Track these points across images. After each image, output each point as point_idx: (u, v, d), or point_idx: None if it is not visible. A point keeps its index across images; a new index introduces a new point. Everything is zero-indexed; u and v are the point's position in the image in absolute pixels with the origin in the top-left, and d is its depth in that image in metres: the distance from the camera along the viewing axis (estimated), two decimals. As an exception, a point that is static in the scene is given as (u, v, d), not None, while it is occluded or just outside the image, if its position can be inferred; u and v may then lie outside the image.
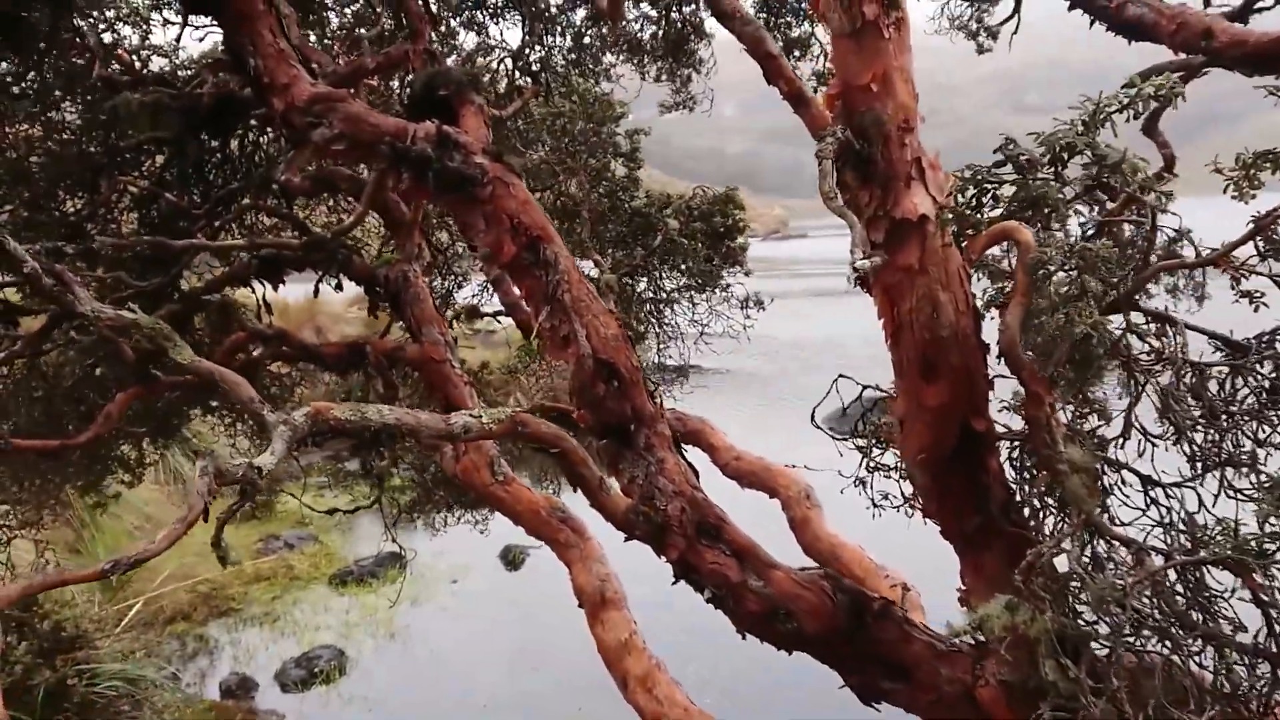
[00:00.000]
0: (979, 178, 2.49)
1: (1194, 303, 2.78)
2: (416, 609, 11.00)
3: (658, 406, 3.17)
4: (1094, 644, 2.47)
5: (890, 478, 3.51)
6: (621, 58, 7.22)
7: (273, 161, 5.37)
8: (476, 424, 2.67)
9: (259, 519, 13.26)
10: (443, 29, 6.51)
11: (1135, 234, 2.76)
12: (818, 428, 3.57)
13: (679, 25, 6.91)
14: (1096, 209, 2.69)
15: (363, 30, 5.70)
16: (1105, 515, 2.63)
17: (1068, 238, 2.58)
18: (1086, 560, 2.63)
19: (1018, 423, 2.99)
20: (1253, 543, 2.37)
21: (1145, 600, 2.47)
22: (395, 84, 6.08)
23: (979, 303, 2.84)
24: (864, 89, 2.54)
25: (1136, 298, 2.68)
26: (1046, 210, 2.47)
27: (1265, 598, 2.37)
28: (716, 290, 7.47)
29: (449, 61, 6.08)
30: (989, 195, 2.54)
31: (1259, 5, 4.27)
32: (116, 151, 4.81)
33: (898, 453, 3.32)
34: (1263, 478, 2.60)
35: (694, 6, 6.75)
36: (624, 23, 6.51)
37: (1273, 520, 2.32)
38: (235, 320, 4.82)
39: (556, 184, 6.86)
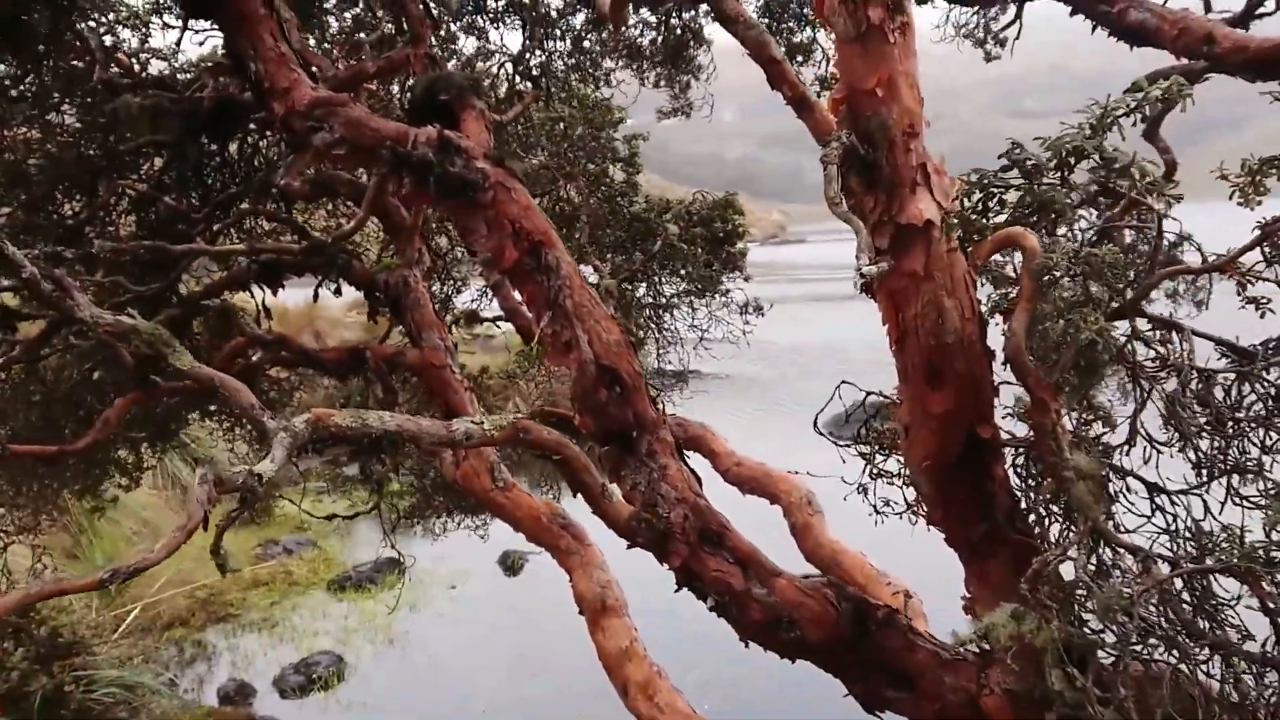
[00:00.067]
0: (985, 183, 2.47)
1: (1194, 308, 2.77)
2: (415, 614, 10.97)
3: (660, 413, 3.15)
4: (1100, 653, 2.45)
5: (893, 484, 3.50)
6: (621, 63, 7.21)
7: (272, 165, 5.36)
8: (478, 431, 2.65)
9: (258, 524, 13.22)
10: (443, 33, 6.51)
11: (1136, 239, 2.75)
12: (820, 434, 3.55)
13: (678, 31, 6.91)
14: (1101, 214, 2.68)
15: (362, 34, 5.71)
16: (1111, 523, 2.61)
17: (1073, 243, 2.57)
18: (1092, 568, 2.61)
19: (1022, 429, 2.97)
20: (1260, 550, 2.36)
21: (1152, 609, 2.45)
22: (395, 88, 6.07)
23: (983, 308, 2.82)
24: (869, 94, 2.53)
25: (1142, 304, 2.67)
26: (1053, 215, 2.46)
27: (1273, 606, 2.36)
28: (716, 296, 7.46)
29: (449, 66, 6.07)
30: (995, 200, 2.52)
31: (1260, 11, 4.27)
32: (115, 154, 4.79)
33: (901, 459, 3.30)
34: (1270, 485, 2.59)
35: (694, 13, 6.75)
36: (624, 28, 6.50)
37: (1280, 528, 2.31)
38: (234, 325, 4.80)
39: (556, 189, 6.86)
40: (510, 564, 12.31)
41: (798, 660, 3.03)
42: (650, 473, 2.98)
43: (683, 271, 7.24)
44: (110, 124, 4.48)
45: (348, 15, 6.02)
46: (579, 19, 6.89)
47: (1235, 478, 2.65)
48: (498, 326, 7.08)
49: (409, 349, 4.68)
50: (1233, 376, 2.65)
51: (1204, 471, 2.71)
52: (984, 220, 2.56)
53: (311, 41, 5.34)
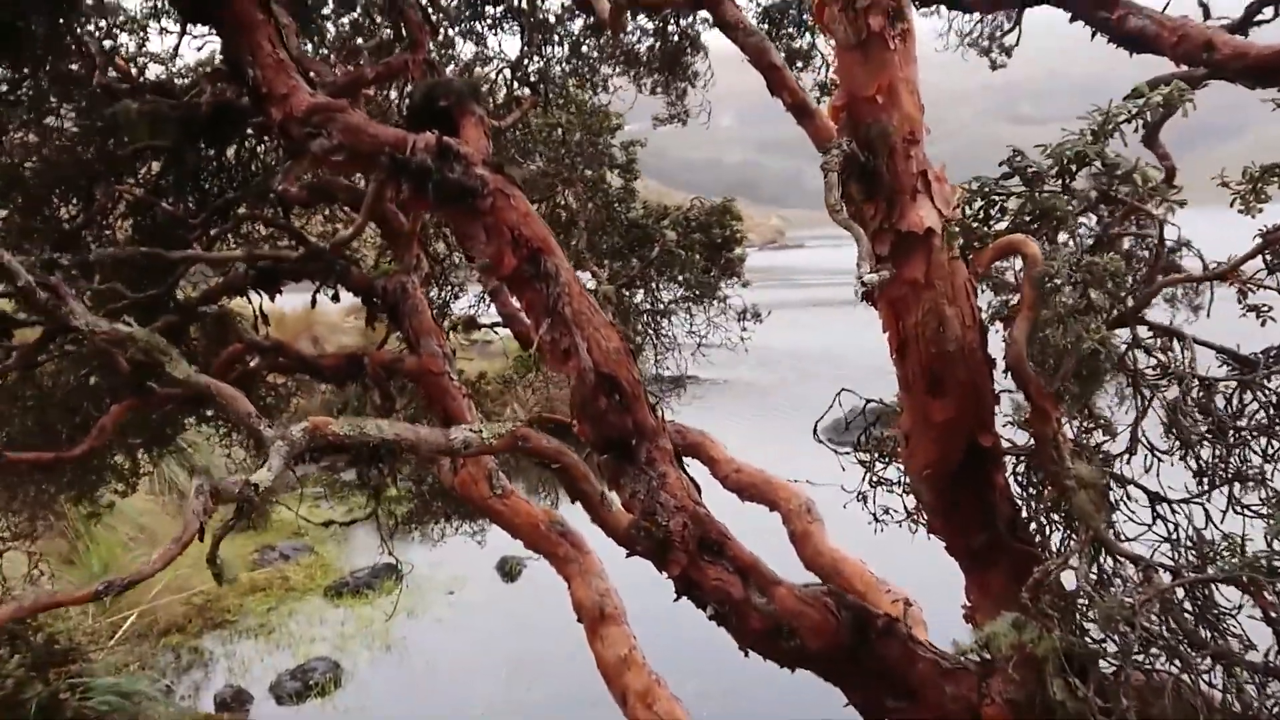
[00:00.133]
0: (986, 190, 2.46)
1: (1191, 313, 2.76)
2: (413, 621, 10.93)
3: (659, 420, 3.13)
4: (1102, 662, 2.44)
5: (893, 492, 3.49)
6: (618, 70, 7.21)
7: (270, 170, 5.35)
8: (477, 439, 2.64)
9: (255, 530, 13.19)
10: (440, 38, 6.50)
11: (1135, 244, 2.74)
12: (820, 442, 3.55)
13: (675, 38, 6.91)
14: (1102, 221, 2.67)
15: (360, 40, 5.70)
16: (1112, 531, 2.61)
17: (1075, 251, 2.56)
18: (1093, 577, 2.60)
19: (1022, 437, 2.96)
20: (1262, 560, 2.35)
21: (1154, 618, 2.44)
22: (394, 94, 6.06)
23: (983, 316, 2.81)
24: (869, 101, 2.52)
25: (1142, 312, 2.66)
26: (1054, 223, 2.45)
27: (1276, 615, 2.35)
28: (714, 302, 7.46)
29: (447, 71, 6.06)
30: (996, 208, 2.52)
31: (1259, 18, 4.28)
32: (113, 158, 4.79)
33: (901, 467, 3.29)
34: (1271, 493, 2.58)
35: (691, 19, 6.75)
36: (622, 34, 6.50)
37: (1284, 537, 2.30)
38: (232, 331, 4.79)
39: (554, 195, 6.85)
40: (508, 570, 12.28)
41: (798, 669, 3.02)
42: (649, 481, 2.96)
43: (681, 278, 7.23)
44: (109, 128, 4.48)
45: (345, 20, 6.01)
46: (577, 25, 6.88)
47: (1236, 486, 2.65)
48: (495, 333, 7.06)
49: (407, 356, 4.67)
50: (1234, 385, 2.64)
51: (1205, 480, 2.70)
52: (985, 228, 2.55)
53: (309, 47, 5.34)
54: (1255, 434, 2.61)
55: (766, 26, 6.20)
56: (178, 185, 5.12)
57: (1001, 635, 2.44)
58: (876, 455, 3.49)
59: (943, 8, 4.45)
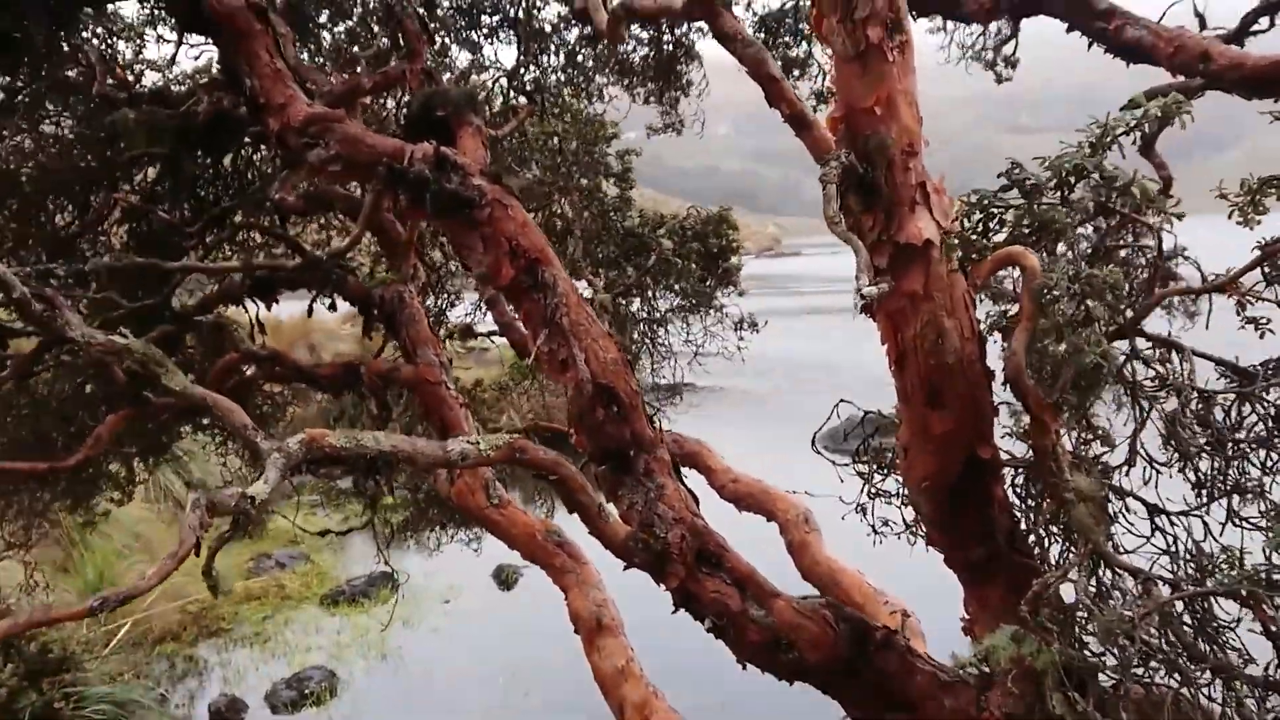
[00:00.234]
0: (984, 203, 2.46)
1: (1187, 320, 2.76)
2: (408, 629, 10.90)
3: (657, 431, 3.12)
4: (1101, 676, 2.43)
5: (891, 504, 3.48)
6: (612, 79, 7.21)
7: (267, 179, 5.34)
8: (474, 451, 2.63)
9: (250, 538, 13.14)
10: (436, 46, 6.50)
11: (1132, 253, 2.74)
12: (818, 453, 3.53)
13: (669, 48, 6.91)
14: (1100, 232, 2.67)
15: (356, 48, 5.70)
16: (1111, 544, 2.60)
17: (1074, 263, 2.56)
18: (1092, 590, 2.60)
19: (1021, 449, 2.96)
20: (1262, 573, 2.34)
21: (1153, 631, 2.43)
22: (390, 103, 6.06)
23: (981, 327, 2.81)
24: (868, 112, 2.52)
25: (1141, 323, 2.66)
26: (1053, 235, 2.45)
27: (1275, 629, 2.34)
28: (710, 311, 7.46)
29: (443, 80, 6.06)
30: (995, 220, 2.51)
31: (1255, 28, 4.28)
32: (110, 165, 4.78)
33: (900, 479, 3.28)
34: (1270, 506, 2.58)
35: (685, 29, 6.75)
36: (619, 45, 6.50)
37: (1282, 550, 2.29)
38: (228, 340, 4.78)
39: (550, 204, 6.85)
40: (504, 578, 12.26)
41: (796, 682, 3.00)
42: (647, 492, 2.95)
43: (677, 286, 7.23)
44: (107, 136, 4.47)
45: (340, 28, 6.01)
46: (572, 35, 6.89)
47: (1235, 499, 2.64)
48: (492, 341, 7.05)
49: (404, 365, 4.65)
50: (1233, 397, 2.64)
51: (1204, 492, 2.69)
52: (984, 240, 2.55)
53: (305, 56, 5.33)
54: (1254, 446, 2.61)
55: (763, 35, 6.20)
56: (174, 193, 5.12)
57: (1000, 648, 2.43)
58: (875, 467, 3.48)
59: (940, 18, 4.46)
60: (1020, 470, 2.93)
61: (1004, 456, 2.88)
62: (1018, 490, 2.95)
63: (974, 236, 2.56)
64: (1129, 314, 2.62)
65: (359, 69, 4.13)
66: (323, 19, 5.78)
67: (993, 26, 4.70)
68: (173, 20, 4.58)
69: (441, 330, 6.73)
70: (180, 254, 4.92)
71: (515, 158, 6.75)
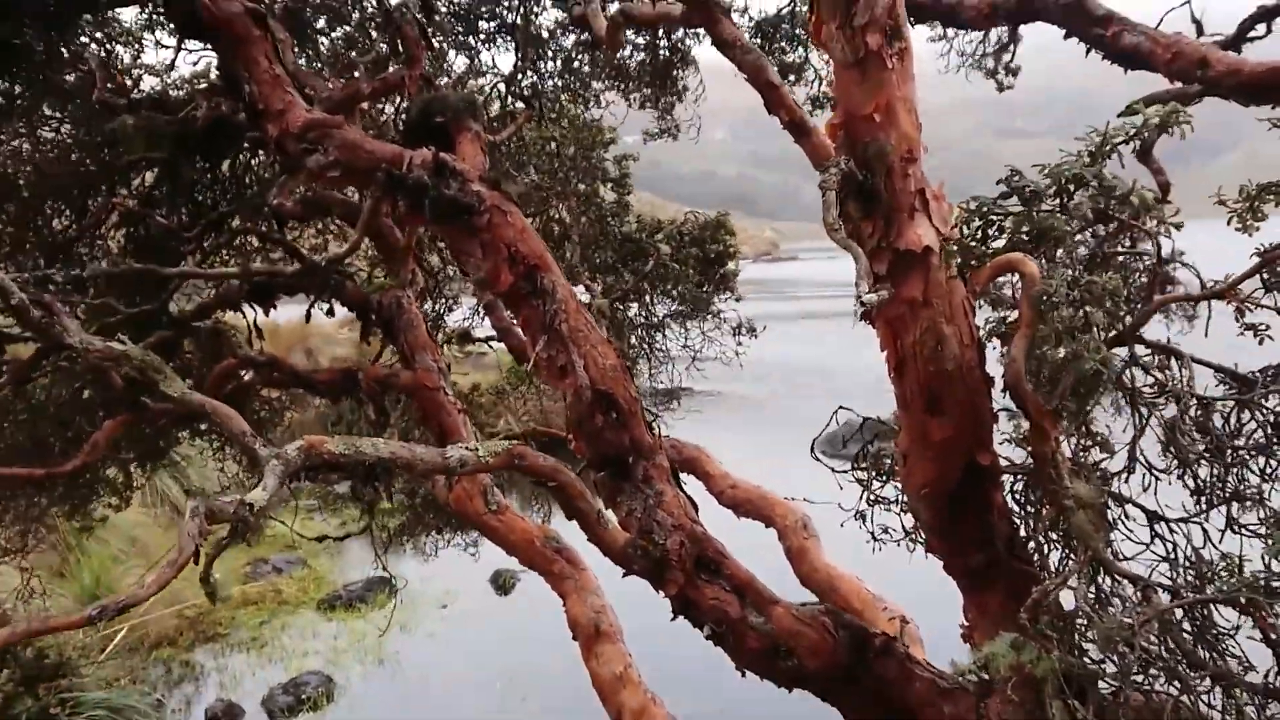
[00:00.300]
0: (984, 210, 2.46)
1: (1186, 324, 2.76)
2: (405, 634, 10.88)
3: (656, 437, 3.12)
4: (1101, 683, 2.43)
5: (890, 511, 3.48)
6: (607, 84, 7.22)
7: (265, 184, 5.34)
8: (473, 458, 2.62)
9: (247, 543, 13.11)
10: (434, 52, 6.49)
11: (1129, 260, 2.74)
12: (817, 459, 3.53)
13: (666, 53, 6.91)
14: (1099, 239, 2.67)
15: (354, 53, 5.70)
16: (1110, 550, 2.60)
17: (1072, 268, 2.56)
18: (1092, 597, 2.59)
19: (1020, 455, 2.96)
20: (1261, 580, 2.34)
21: (1153, 639, 2.43)
22: (389, 108, 6.05)
23: (980, 333, 2.81)
24: (867, 119, 2.52)
25: (1140, 330, 2.66)
26: (1052, 242, 2.45)
27: (1276, 636, 2.34)
28: (708, 317, 7.46)
29: (440, 84, 6.07)
30: (994, 227, 2.51)
31: (1251, 34, 4.29)
32: (108, 169, 4.78)
33: (899, 486, 3.28)
34: (1270, 513, 2.58)
35: (682, 34, 6.75)
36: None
37: (1282, 557, 2.29)
38: (226, 346, 4.77)
39: (547, 209, 6.85)
40: (502, 583, 12.24)
41: (795, 689, 3.00)
42: (646, 499, 2.95)
43: (674, 292, 7.23)
44: (106, 141, 4.47)
45: (338, 33, 6.01)
46: (569, 41, 6.89)
47: (1235, 506, 2.64)
48: (489, 346, 7.05)
49: (402, 371, 4.65)
50: (1232, 404, 2.64)
51: (1203, 499, 2.69)
52: (983, 247, 2.55)
53: (303, 61, 5.33)
54: (1253, 453, 2.61)
55: (759, 41, 6.20)
56: (172, 198, 5.11)
57: (1000, 655, 2.42)
58: (874, 473, 3.48)
59: (940, 25, 4.46)
60: (1020, 477, 2.93)
61: (1003, 463, 2.89)
62: (1017, 497, 2.95)
63: (973, 243, 2.57)
64: (1128, 321, 2.62)
65: (357, 74, 4.12)
66: (320, 24, 5.78)
67: (992, 34, 4.71)
68: (171, 25, 4.58)
69: (439, 335, 6.73)
70: (178, 258, 4.92)
71: (513, 163, 6.76)
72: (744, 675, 3.02)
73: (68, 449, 4.84)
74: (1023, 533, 2.91)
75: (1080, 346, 2.33)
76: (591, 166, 6.89)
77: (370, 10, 5.70)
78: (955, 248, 2.53)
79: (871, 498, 3.48)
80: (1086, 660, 2.47)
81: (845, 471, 3.56)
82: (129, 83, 4.88)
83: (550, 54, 6.96)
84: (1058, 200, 2.53)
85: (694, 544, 2.93)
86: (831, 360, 23.85)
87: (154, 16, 4.89)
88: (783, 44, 6.48)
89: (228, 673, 10.25)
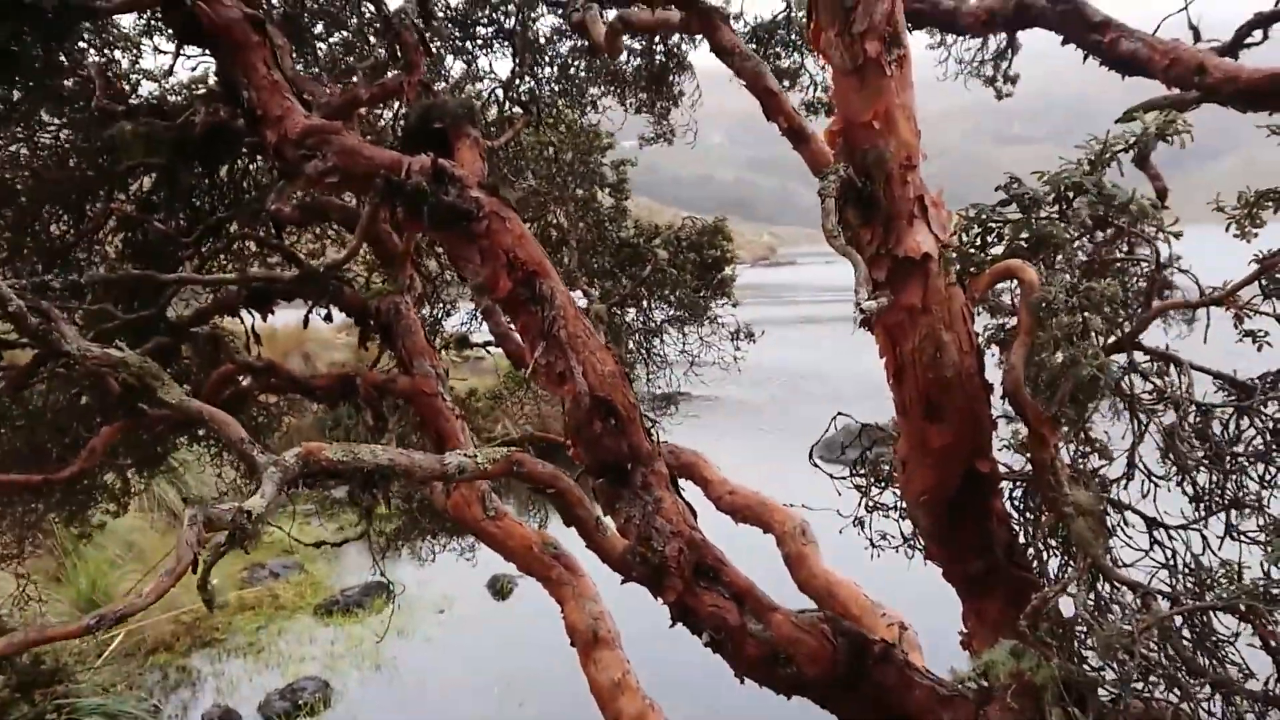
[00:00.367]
0: (983, 217, 2.46)
1: (1185, 328, 2.76)
2: (403, 639, 10.86)
3: (654, 444, 3.12)
4: (1101, 691, 2.43)
5: (889, 517, 3.48)
6: (603, 89, 7.22)
7: (263, 189, 5.33)
8: (471, 464, 2.62)
9: (244, 550, 13.06)
10: (432, 58, 6.49)
11: (1128, 265, 2.75)
12: (816, 466, 3.53)
13: (662, 58, 6.92)
14: (1098, 246, 2.68)
15: (351, 58, 5.69)
16: (1109, 557, 2.60)
17: (1070, 275, 2.56)
18: (1091, 604, 2.59)
19: (1019, 462, 2.96)
20: (1261, 587, 2.34)
21: (1152, 646, 2.43)
22: (387, 114, 6.05)
23: (980, 341, 2.81)
24: (866, 126, 2.52)
25: (1139, 336, 2.66)
26: (1052, 249, 2.45)
27: (1275, 643, 2.34)
28: (705, 322, 7.47)
29: (437, 89, 6.07)
30: (993, 234, 2.52)
31: (1248, 40, 4.30)
32: (106, 174, 4.77)
33: (897, 492, 3.28)
34: (1269, 520, 2.58)
35: (678, 39, 6.76)
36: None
37: (1281, 565, 2.29)
38: (224, 352, 4.76)
39: (545, 214, 6.85)
40: (499, 588, 12.22)
41: (794, 696, 3.00)
42: (645, 506, 2.95)
43: (672, 297, 7.24)
44: (105, 148, 4.47)
45: (336, 37, 6.00)
46: (565, 46, 6.89)
47: (1234, 512, 2.65)
48: (487, 351, 7.04)
49: (400, 376, 4.64)
50: (1231, 410, 2.64)
51: (1202, 506, 2.70)
52: (982, 254, 2.55)
53: (301, 66, 5.33)
54: (1252, 460, 2.61)
55: (754, 46, 6.20)
56: (170, 203, 5.11)
57: (999, 663, 2.42)
58: (872, 480, 3.48)
59: (938, 32, 4.46)
60: (1019, 483, 2.93)
61: (1003, 470, 2.89)
62: (1016, 503, 2.95)
63: (972, 250, 2.57)
64: (1127, 327, 2.62)
65: (355, 79, 4.13)
66: (318, 29, 5.77)
67: (990, 41, 4.71)
68: (170, 31, 4.58)
69: (437, 340, 6.72)
70: (176, 263, 4.91)
71: (511, 168, 6.76)
72: (743, 682, 3.02)
73: (65, 455, 4.83)
74: (1022, 539, 2.91)
75: (1078, 353, 2.33)
76: (589, 171, 6.90)
77: (368, 15, 5.70)
78: (954, 254, 2.53)
79: (870, 504, 3.48)
80: (1086, 667, 2.47)
81: (844, 478, 3.56)
82: (126, 88, 4.87)
83: (547, 59, 6.97)
84: (1056, 207, 2.53)
85: (693, 551, 2.93)
86: (829, 365, 23.87)
87: (152, 22, 4.89)
88: (778, 49, 6.48)
89: (224, 678, 10.22)
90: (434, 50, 5.16)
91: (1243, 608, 2.32)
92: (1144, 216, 2.35)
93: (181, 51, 4.42)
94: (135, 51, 5.02)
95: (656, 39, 6.66)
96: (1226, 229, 2.54)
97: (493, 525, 4.29)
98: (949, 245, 2.58)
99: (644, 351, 7.62)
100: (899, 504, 3.39)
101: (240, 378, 4.94)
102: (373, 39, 5.58)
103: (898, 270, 2.58)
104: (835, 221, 2.44)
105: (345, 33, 5.87)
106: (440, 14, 6.36)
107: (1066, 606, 2.53)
